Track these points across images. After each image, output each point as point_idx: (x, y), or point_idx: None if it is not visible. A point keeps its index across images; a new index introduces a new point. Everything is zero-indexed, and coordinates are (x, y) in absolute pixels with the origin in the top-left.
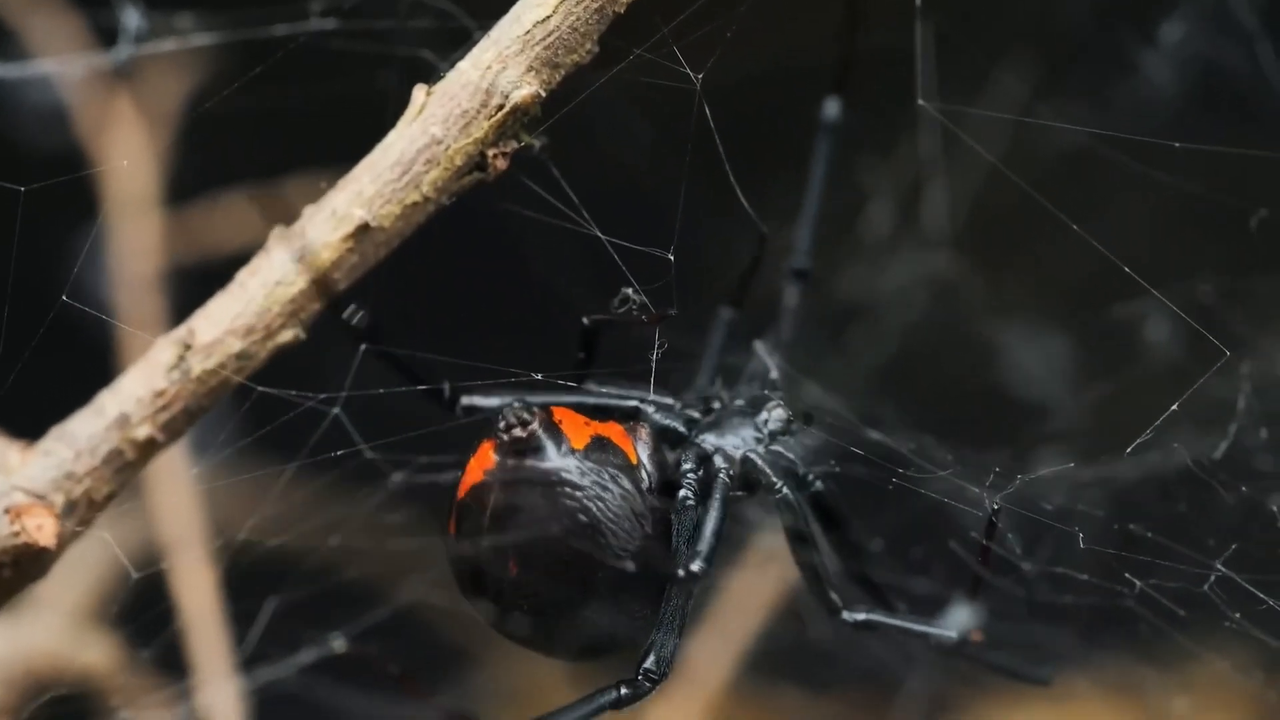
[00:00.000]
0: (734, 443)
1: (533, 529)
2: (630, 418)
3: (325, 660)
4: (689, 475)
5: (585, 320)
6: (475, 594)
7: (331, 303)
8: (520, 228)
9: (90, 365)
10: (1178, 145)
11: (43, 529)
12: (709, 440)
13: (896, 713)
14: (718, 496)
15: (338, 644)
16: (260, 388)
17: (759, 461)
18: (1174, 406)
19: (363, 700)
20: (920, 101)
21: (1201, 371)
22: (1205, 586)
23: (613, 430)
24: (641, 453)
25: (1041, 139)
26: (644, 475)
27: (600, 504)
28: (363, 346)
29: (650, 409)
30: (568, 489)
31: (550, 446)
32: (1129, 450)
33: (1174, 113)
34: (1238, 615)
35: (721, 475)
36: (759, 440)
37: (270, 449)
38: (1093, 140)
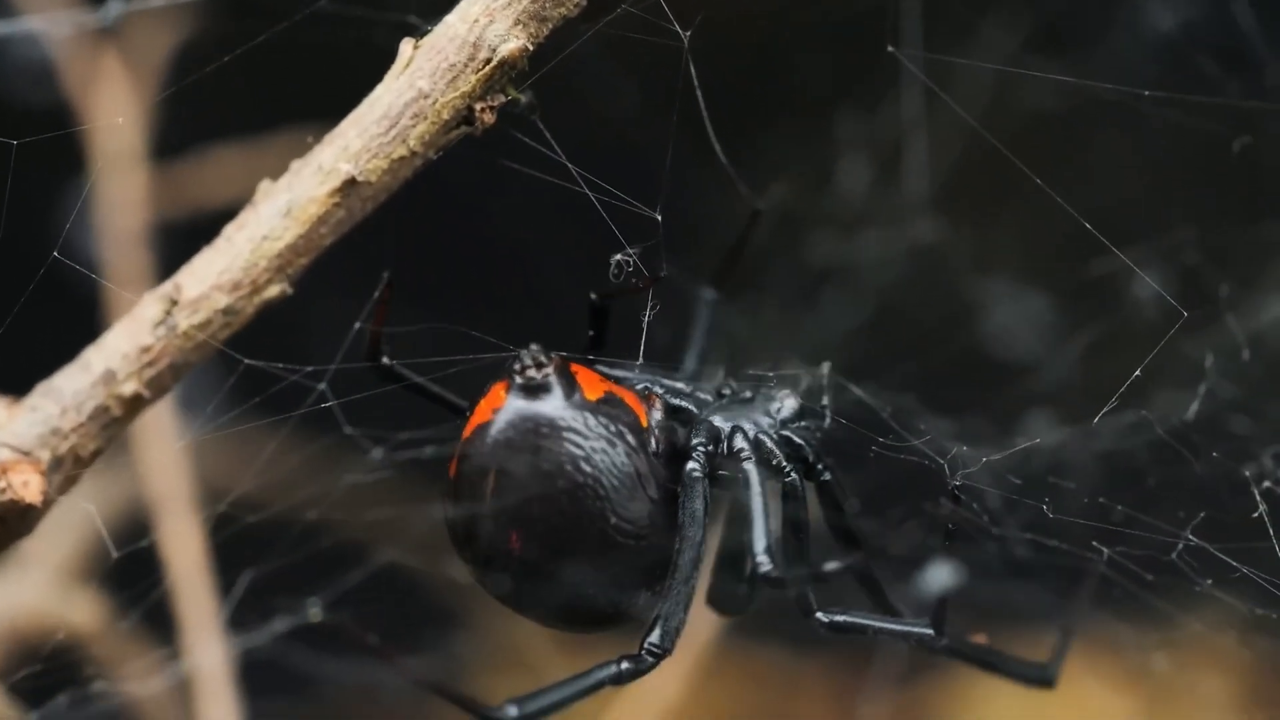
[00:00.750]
0: (747, 425)
1: (535, 474)
2: (641, 394)
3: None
4: (698, 449)
5: (593, 297)
6: (467, 544)
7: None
8: (504, 187)
9: (79, 321)
10: (1146, 94)
11: (29, 485)
12: (720, 421)
13: (875, 670)
14: (756, 485)
15: (313, 612)
16: (247, 360)
17: (770, 444)
18: (1136, 372)
19: (343, 664)
20: (890, 49)
21: (1185, 328)
22: (1174, 555)
23: (626, 394)
24: (653, 418)
25: (1023, 92)
26: (652, 440)
27: (605, 456)
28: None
29: (661, 390)
30: (574, 435)
31: (562, 391)
32: (1096, 419)
33: (1155, 65)
34: (1209, 581)
35: (747, 462)
36: (771, 426)
37: (260, 416)
38: (1074, 92)
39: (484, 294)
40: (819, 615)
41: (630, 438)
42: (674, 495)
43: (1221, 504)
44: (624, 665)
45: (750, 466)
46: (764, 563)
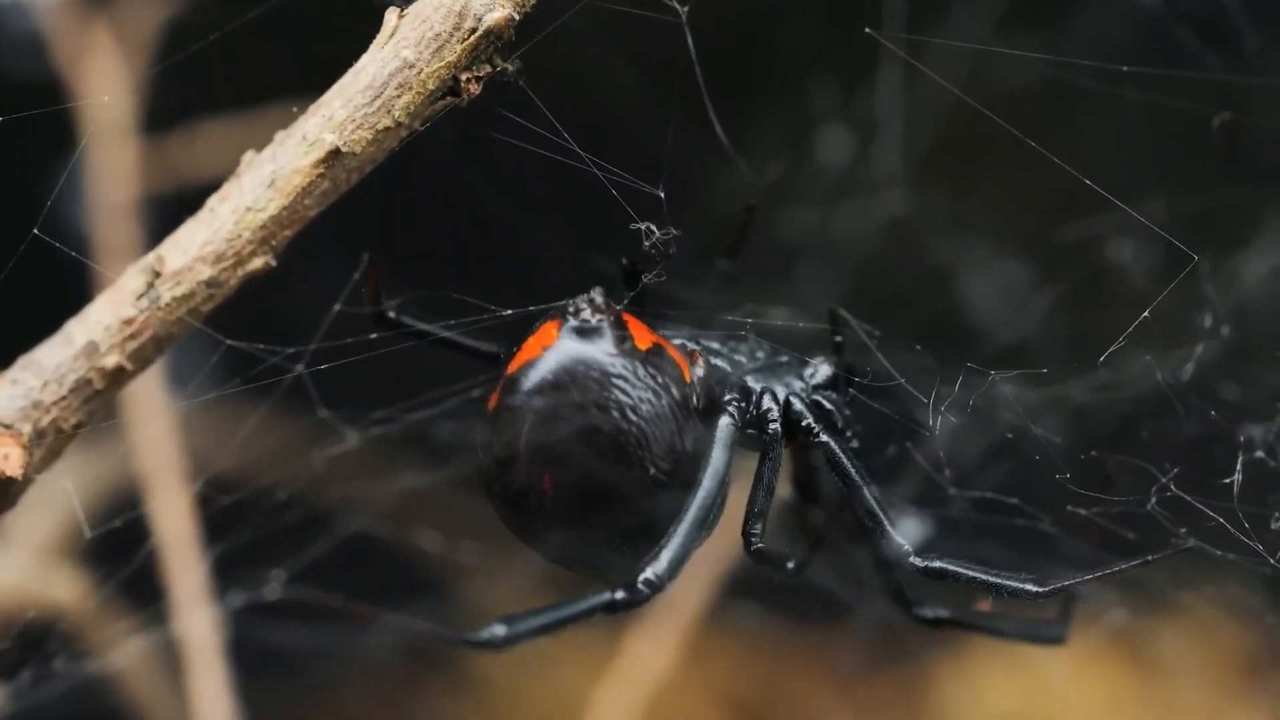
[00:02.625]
0: (778, 388)
1: (580, 416)
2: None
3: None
4: (731, 405)
5: (624, 261)
6: (498, 478)
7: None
8: (497, 163)
9: (65, 294)
10: (1125, 69)
11: (9, 459)
12: (753, 381)
13: (850, 633)
14: (771, 454)
15: (272, 587)
16: (229, 341)
17: (800, 406)
18: (1119, 342)
19: (329, 635)
20: (868, 30)
21: (1162, 290)
22: (1149, 506)
23: (671, 348)
24: (694, 374)
25: (1001, 68)
26: (692, 395)
27: (649, 407)
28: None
29: (700, 347)
30: (623, 381)
31: (613, 337)
32: (1100, 358)
33: (1135, 39)
34: (1184, 530)
35: (773, 424)
36: (803, 389)
37: (245, 393)
38: (1049, 68)
39: (474, 268)
40: (914, 560)
41: (674, 391)
42: (703, 448)
43: (1201, 463)
44: (619, 594)
45: (775, 429)
46: (754, 538)
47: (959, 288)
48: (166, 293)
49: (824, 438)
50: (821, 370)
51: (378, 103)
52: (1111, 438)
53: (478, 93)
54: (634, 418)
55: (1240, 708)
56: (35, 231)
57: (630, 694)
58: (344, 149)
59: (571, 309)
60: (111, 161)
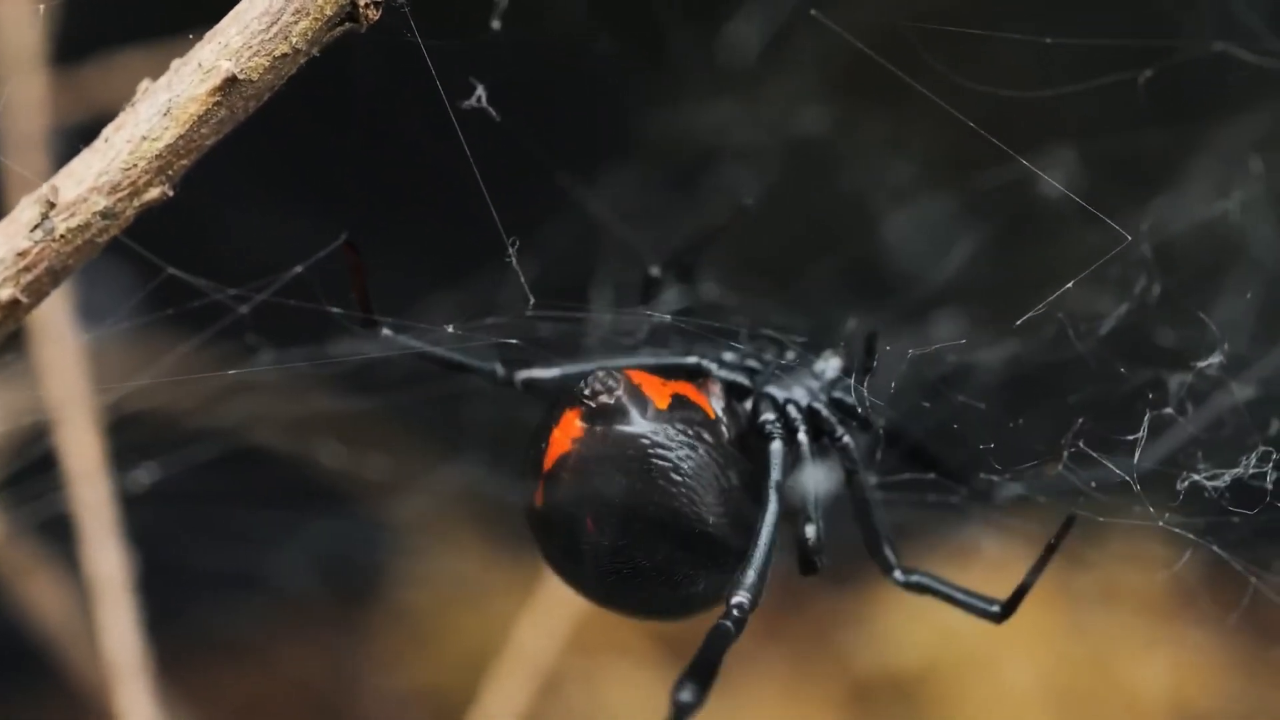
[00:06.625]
0: (800, 394)
1: (631, 495)
2: (693, 374)
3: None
4: (772, 426)
5: (653, 271)
6: (568, 564)
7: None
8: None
9: None
10: (1048, 41)
11: None
12: (776, 390)
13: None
14: (809, 464)
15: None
16: (172, 269)
17: (824, 411)
18: (1039, 308)
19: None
20: None
21: (1093, 235)
22: (1060, 467)
23: (687, 388)
24: (716, 406)
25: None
26: (723, 429)
27: (690, 462)
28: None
29: (713, 365)
30: (659, 450)
31: (636, 410)
32: (1015, 325)
33: None
34: (1093, 484)
35: (803, 440)
36: (821, 389)
37: (172, 329)
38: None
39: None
40: (896, 574)
41: (707, 435)
42: (750, 473)
43: (1113, 420)
44: (728, 624)
45: (802, 439)
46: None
47: (879, 226)
48: (61, 224)
49: (845, 441)
50: (832, 364)
51: (274, 29)
52: (1026, 396)
53: (377, 18)
54: (679, 478)
55: (1147, 654)
56: None
57: (554, 624)
58: (240, 76)
59: (587, 393)
60: (21, 92)
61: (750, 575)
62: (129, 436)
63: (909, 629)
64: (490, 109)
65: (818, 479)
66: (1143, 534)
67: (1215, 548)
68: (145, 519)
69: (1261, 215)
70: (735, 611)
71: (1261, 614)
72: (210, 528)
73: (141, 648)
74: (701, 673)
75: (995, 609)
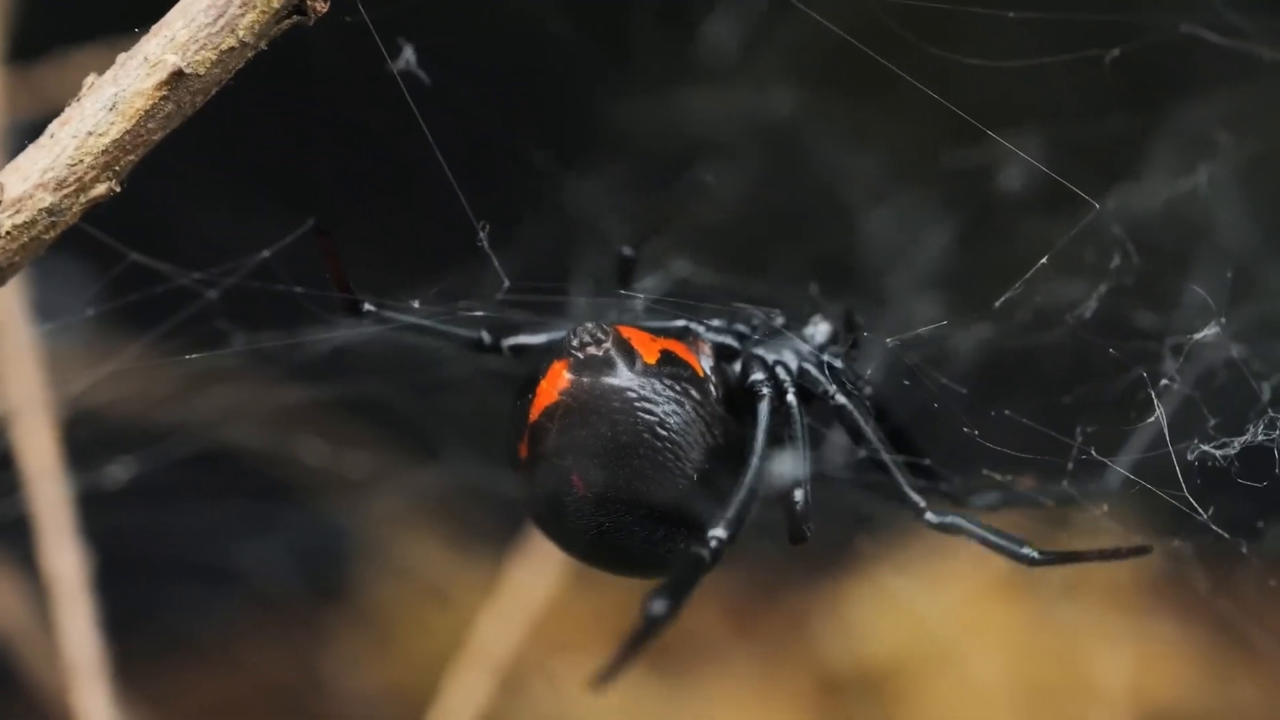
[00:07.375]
0: (789, 356)
1: (615, 448)
2: (683, 335)
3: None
4: (763, 387)
5: (626, 251)
6: (549, 517)
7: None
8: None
9: None
10: (1011, 15)
11: None
12: (765, 352)
13: (740, 568)
14: (799, 426)
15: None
16: (135, 255)
17: (813, 371)
18: (1016, 287)
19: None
20: None
21: (1064, 218)
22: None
23: (677, 346)
24: (705, 365)
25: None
26: (711, 388)
27: (677, 418)
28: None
29: (701, 328)
30: (645, 403)
31: (624, 363)
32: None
33: None
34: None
35: (792, 402)
36: (811, 352)
37: (136, 322)
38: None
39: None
40: (929, 516)
41: (694, 392)
42: (737, 434)
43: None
44: (704, 552)
45: (792, 410)
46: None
47: (853, 216)
48: (7, 220)
49: (840, 399)
50: (821, 329)
51: (221, 22)
52: (1008, 380)
53: (325, 11)
54: (664, 433)
55: (1112, 647)
56: None
57: (516, 620)
58: (187, 70)
59: (575, 345)
60: None
61: (730, 512)
62: (91, 432)
63: (879, 623)
64: (420, 72)
65: (806, 442)
66: (1108, 528)
67: (1178, 541)
68: (109, 517)
69: (1229, 191)
70: (713, 543)
71: (1224, 607)
72: (175, 525)
73: (101, 648)
74: (674, 592)
75: (1027, 552)
